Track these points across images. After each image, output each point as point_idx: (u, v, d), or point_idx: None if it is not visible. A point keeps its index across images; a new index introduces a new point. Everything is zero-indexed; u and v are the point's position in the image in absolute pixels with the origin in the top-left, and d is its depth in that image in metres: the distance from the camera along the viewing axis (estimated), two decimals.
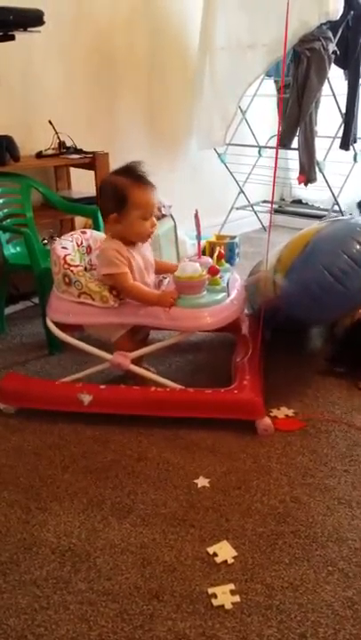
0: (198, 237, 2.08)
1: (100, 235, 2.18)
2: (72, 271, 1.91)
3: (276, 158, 2.08)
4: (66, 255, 1.94)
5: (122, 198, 1.85)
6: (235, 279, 2.10)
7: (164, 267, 2.12)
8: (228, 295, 1.95)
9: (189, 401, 1.86)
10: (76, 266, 1.93)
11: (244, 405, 1.83)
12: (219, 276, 1.98)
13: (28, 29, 2.41)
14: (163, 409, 1.87)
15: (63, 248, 1.98)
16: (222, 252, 2.19)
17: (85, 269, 2.10)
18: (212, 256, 2.13)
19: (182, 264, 1.92)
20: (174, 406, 1.87)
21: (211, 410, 1.85)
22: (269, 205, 4.16)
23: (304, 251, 1.99)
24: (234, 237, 3.56)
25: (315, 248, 1.97)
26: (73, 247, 2.04)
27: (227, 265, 2.17)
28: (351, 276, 1.87)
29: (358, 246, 1.91)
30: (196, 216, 2.04)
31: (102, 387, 1.93)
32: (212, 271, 1.94)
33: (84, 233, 2.15)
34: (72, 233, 2.13)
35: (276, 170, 1.97)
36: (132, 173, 1.88)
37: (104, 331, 2.00)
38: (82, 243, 2.11)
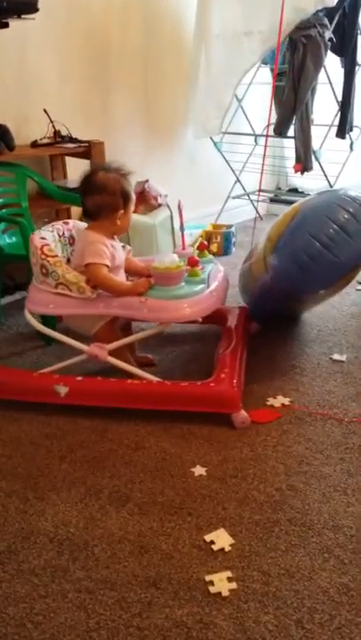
0: (181, 229, 2.08)
1: (83, 225, 2.17)
2: (49, 262, 1.90)
3: (266, 145, 2.08)
4: (43, 245, 1.93)
5: (126, 194, 1.92)
6: (217, 270, 2.09)
7: (135, 268, 2.10)
8: (208, 286, 1.94)
9: (165, 393, 1.86)
10: (54, 256, 1.92)
11: (219, 398, 1.82)
12: (200, 267, 1.98)
13: (22, 17, 2.39)
14: (139, 401, 1.87)
15: (41, 238, 1.97)
16: (205, 242, 2.19)
17: (68, 260, 2.11)
18: (206, 247, 2.13)
19: (160, 255, 1.92)
20: (150, 399, 1.86)
21: (187, 402, 1.84)
22: (266, 194, 4.15)
23: (291, 223, 1.98)
24: (230, 226, 3.56)
25: (302, 218, 1.97)
26: (54, 238, 2.04)
27: (210, 256, 2.16)
28: (339, 244, 1.86)
29: (346, 214, 1.90)
30: (179, 207, 2.04)
31: (79, 378, 1.92)
32: (191, 262, 1.94)
33: (66, 224, 2.14)
34: (54, 223, 2.12)
35: (264, 158, 1.96)
36: (121, 171, 1.94)
37: (83, 322, 2.00)
38: (64, 233, 2.10)
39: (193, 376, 1.93)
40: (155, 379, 1.91)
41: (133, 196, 1.96)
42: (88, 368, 2.07)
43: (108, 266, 1.90)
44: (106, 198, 1.90)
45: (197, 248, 2.16)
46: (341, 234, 1.87)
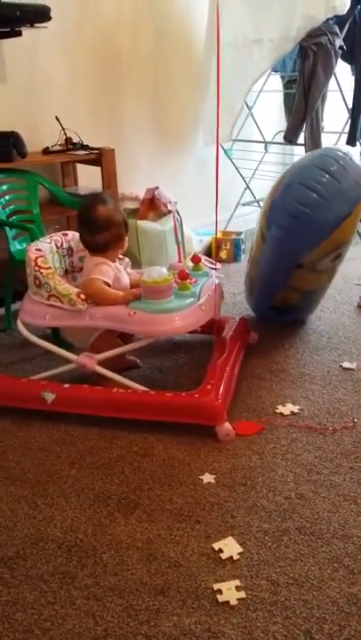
0: (177, 241, 2.09)
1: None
2: (42, 273, 1.92)
3: (217, 146, 2.13)
4: (37, 257, 1.96)
5: (126, 222, 2.03)
6: (211, 283, 2.09)
7: (130, 280, 2.13)
8: (199, 300, 1.93)
9: (150, 403, 1.85)
10: (47, 268, 1.94)
11: (203, 410, 1.80)
12: (193, 280, 1.98)
13: (35, 25, 2.41)
14: (124, 410, 1.86)
15: (37, 250, 2.00)
16: (198, 255, 2.19)
17: (67, 271, 2.13)
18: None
19: (148, 269, 1.94)
20: (135, 408, 1.85)
21: (171, 413, 1.82)
22: None
23: (281, 184, 2.04)
24: (240, 234, 3.56)
25: (292, 174, 2.03)
26: (51, 249, 2.06)
27: (205, 269, 2.16)
28: (330, 190, 1.89)
29: (335, 164, 1.94)
30: (174, 216, 2.05)
31: (66, 385, 1.92)
32: (182, 276, 1.94)
33: (65, 235, 2.16)
34: (52, 235, 2.14)
35: (217, 165, 2.01)
36: (110, 197, 2.06)
37: (78, 335, 2.02)
38: (62, 245, 2.13)
39: (200, 384, 1.92)
40: (141, 388, 1.91)
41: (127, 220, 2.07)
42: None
43: (108, 284, 1.94)
44: (114, 232, 1.99)
45: (192, 261, 2.16)
46: (331, 180, 1.90)
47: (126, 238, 2.04)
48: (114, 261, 2.04)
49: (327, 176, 1.91)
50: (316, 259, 2.18)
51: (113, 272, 1.99)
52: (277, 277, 2.29)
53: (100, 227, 1.96)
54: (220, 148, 3.69)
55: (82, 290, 1.93)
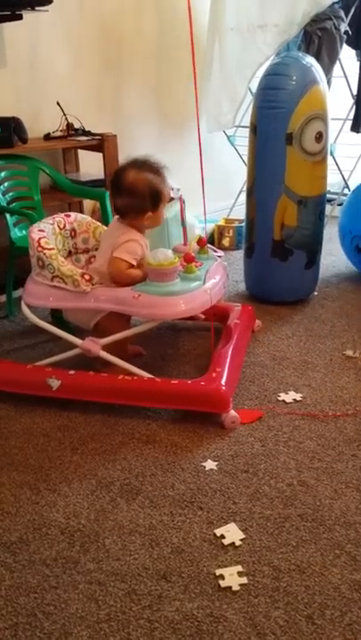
0: (183, 223, 2.07)
1: (85, 218, 2.17)
2: (45, 254, 1.91)
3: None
4: (40, 238, 1.94)
5: (157, 196, 1.93)
6: (217, 267, 2.07)
7: None
8: (205, 283, 1.92)
9: (155, 391, 1.83)
10: (50, 249, 1.92)
11: (208, 398, 1.79)
12: (199, 264, 1.96)
13: (36, 8, 2.38)
14: (129, 397, 1.85)
15: (40, 231, 1.98)
16: (204, 238, 2.17)
17: (70, 253, 2.11)
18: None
19: (154, 251, 1.91)
20: (140, 395, 1.84)
21: (177, 401, 1.82)
22: None
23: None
24: (242, 221, 3.53)
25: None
26: (53, 230, 2.04)
27: (211, 253, 2.14)
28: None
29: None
30: (180, 200, 2.03)
31: (71, 372, 1.91)
32: (187, 259, 1.92)
33: (68, 216, 2.14)
34: (55, 216, 2.12)
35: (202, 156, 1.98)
36: (154, 169, 1.95)
37: (82, 316, 2.01)
38: (65, 226, 2.11)
39: (203, 371, 1.92)
40: (146, 375, 1.90)
41: (166, 193, 1.96)
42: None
43: (133, 265, 1.92)
44: (134, 201, 1.92)
45: (197, 244, 2.14)
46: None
47: (149, 214, 1.94)
48: (142, 233, 1.99)
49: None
50: (298, 130, 2.39)
51: (141, 251, 1.95)
52: (275, 164, 2.43)
53: (120, 191, 1.92)
54: (224, 134, 3.67)
55: (109, 265, 1.92)
